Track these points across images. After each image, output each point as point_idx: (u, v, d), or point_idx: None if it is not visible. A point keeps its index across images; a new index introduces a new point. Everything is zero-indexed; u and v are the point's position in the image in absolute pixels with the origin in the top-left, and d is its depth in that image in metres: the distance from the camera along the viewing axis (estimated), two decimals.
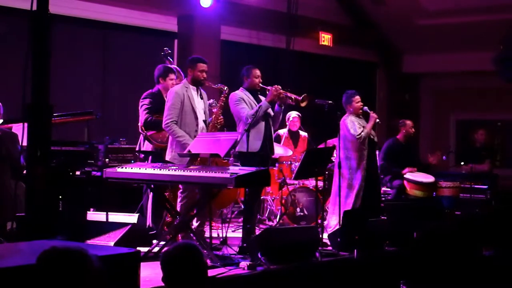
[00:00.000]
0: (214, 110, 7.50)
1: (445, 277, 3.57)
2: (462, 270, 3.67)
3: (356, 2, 13.52)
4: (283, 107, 7.45)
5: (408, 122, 9.96)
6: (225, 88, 7.32)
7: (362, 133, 8.06)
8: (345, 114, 8.25)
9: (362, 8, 13.54)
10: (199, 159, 6.69)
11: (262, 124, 7.29)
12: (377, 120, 8.32)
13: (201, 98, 7.15)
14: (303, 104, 7.42)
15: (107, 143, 7.46)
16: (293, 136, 9.86)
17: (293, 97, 7.39)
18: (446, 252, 3.63)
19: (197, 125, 7.00)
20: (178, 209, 6.84)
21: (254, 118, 7.09)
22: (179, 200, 6.91)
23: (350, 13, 13.63)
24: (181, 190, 6.91)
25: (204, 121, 7.12)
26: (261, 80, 7.42)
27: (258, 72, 7.44)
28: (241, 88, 7.46)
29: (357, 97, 8.28)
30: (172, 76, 7.67)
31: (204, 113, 7.16)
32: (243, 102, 7.28)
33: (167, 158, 6.96)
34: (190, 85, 7.07)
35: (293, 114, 9.77)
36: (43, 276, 2.68)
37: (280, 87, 7.32)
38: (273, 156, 7.98)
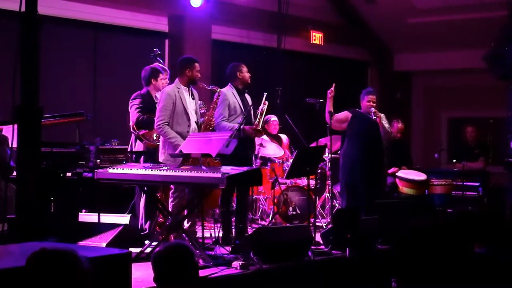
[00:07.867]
0: (202, 111, 7.49)
1: (436, 275, 3.58)
2: (453, 268, 3.68)
3: (347, 0, 13.52)
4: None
5: (399, 125, 9.95)
6: (218, 90, 7.29)
7: None
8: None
9: (353, 6, 13.55)
10: (190, 159, 6.67)
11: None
12: None
13: (193, 98, 7.14)
14: (260, 134, 7.59)
15: (98, 144, 7.45)
16: (275, 140, 9.58)
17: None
18: (436, 249, 3.64)
19: (189, 126, 6.98)
20: (170, 209, 6.83)
21: (229, 141, 6.94)
22: (170, 200, 6.91)
23: (341, 12, 13.63)
24: (172, 191, 6.91)
25: (196, 122, 7.11)
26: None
27: (245, 68, 7.55)
28: (229, 84, 7.47)
29: (369, 97, 8.33)
30: (162, 76, 7.66)
31: (196, 113, 7.14)
32: (226, 104, 7.30)
33: (160, 159, 6.95)
34: (182, 86, 7.05)
35: (272, 117, 9.53)
36: (32, 278, 2.67)
37: (260, 129, 7.44)
38: (264, 155, 7.94)
